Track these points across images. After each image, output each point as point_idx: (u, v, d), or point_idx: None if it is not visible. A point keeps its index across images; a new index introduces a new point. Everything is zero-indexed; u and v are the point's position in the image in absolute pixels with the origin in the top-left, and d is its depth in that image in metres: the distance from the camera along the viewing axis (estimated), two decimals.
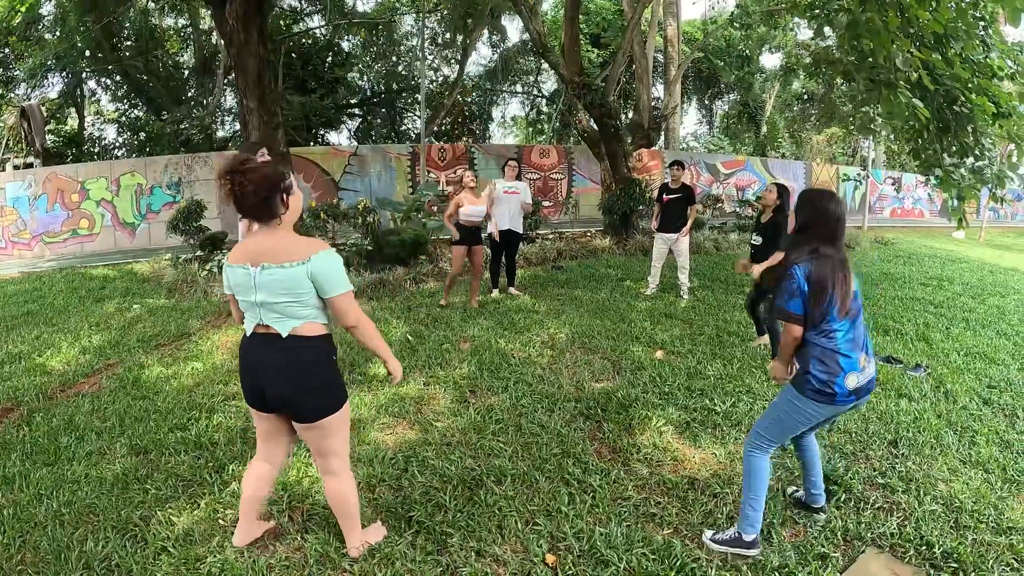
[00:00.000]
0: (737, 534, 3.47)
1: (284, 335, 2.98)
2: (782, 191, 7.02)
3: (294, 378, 3.01)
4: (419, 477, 4.19)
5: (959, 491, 4.15)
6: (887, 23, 5.76)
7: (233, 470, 4.31)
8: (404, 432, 4.96)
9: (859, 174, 29.57)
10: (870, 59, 6.75)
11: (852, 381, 3.24)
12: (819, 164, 31.11)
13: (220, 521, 3.72)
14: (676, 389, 5.82)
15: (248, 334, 3.10)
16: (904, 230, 24.71)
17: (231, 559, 3.35)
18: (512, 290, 10.09)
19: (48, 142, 25.49)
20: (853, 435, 4.90)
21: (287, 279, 2.90)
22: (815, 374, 3.26)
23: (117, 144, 27.90)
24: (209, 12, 17.32)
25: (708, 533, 3.60)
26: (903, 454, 4.69)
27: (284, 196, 2.95)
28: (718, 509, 3.89)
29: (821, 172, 30.00)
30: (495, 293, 9.94)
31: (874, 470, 4.41)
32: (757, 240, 7.06)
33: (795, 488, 4.02)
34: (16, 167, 22.61)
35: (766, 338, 7.41)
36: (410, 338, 7.42)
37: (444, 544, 3.49)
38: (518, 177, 9.94)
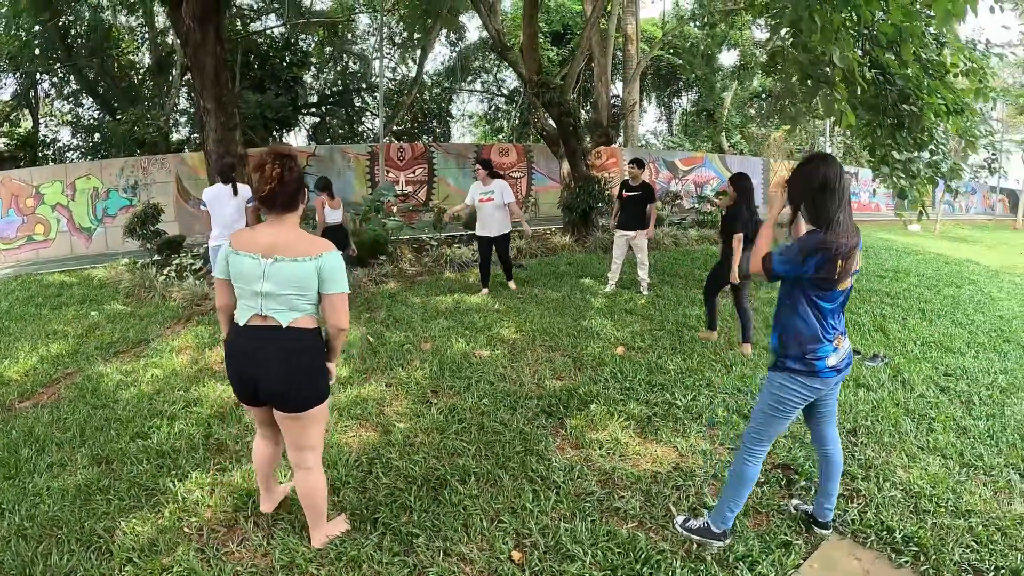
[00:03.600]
0: (707, 524, 3.53)
1: (284, 325, 3.10)
2: (738, 179, 7.16)
3: (289, 367, 3.12)
4: (383, 479, 4.19)
5: (918, 477, 4.27)
6: (831, 20, 5.87)
7: (196, 477, 4.26)
8: (367, 434, 4.96)
9: None
10: (810, 56, 6.86)
11: (831, 360, 3.26)
12: (776, 160, 31.53)
13: (184, 529, 3.69)
14: (637, 384, 5.89)
15: (242, 324, 3.17)
16: (861, 224, 25.01)
17: (196, 567, 3.33)
18: (511, 284, 10.28)
19: (1, 145, 25.00)
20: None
21: (298, 272, 3.04)
22: (795, 358, 3.26)
23: (72, 146, 27.39)
24: (165, 11, 17.05)
25: (679, 519, 3.67)
26: (862, 442, 4.82)
27: (305, 193, 3.16)
28: (681, 501, 3.96)
29: (778, 168, 30.41)
30: (484, 292, 9.96)
31: None
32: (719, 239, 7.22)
33: (800, 501, 3.98)
34: None
35: (714, 335, 7.52)
36: (371, 340, 7.41)
37: (410, 545, 3.51)
38: (497, 176, 10.03)
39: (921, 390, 5.95)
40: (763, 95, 35.95)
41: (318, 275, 3.07)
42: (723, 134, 35.08)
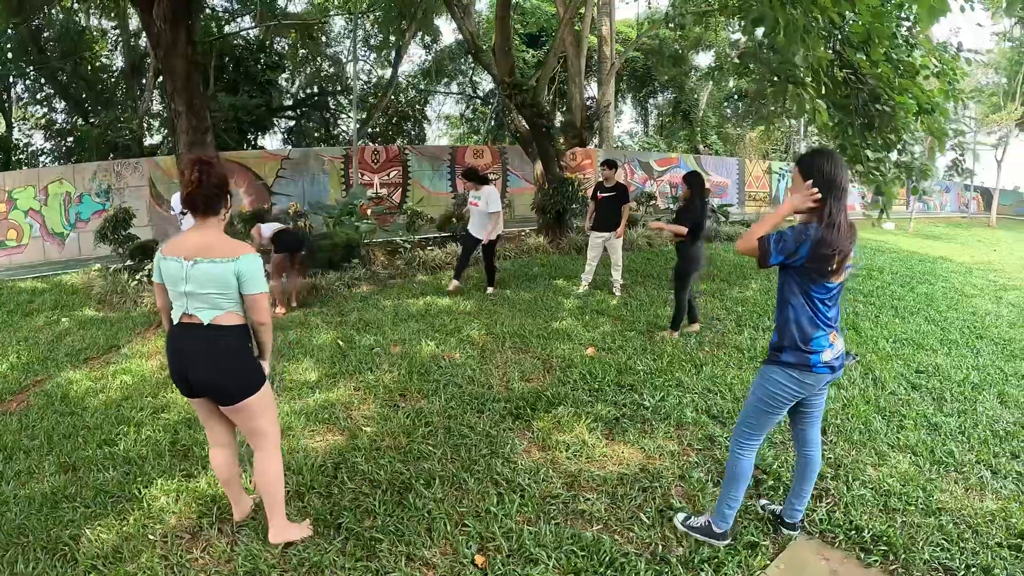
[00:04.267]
0: (708, 523, 3.54)
1: (205, 323, 3.25)
2: (690, 176, 7.27)
3: (213, 362, 3.28)
4: (348, 483, 4.19)
5: (888, 475, 4.29)
6: (795, 20, 5.92)
7: (162, 484, 4.25)
8: (334, 438, 4.95)
9: (782, 168, 30.34)
10: (778, 56, 6.93)
11: (826, 356, 3.24)
12: (752, 160, 31.75)
13: (149, 536, 3.68)
14: (606, 385, 5.90)
15: (175, 322, 3.33)
16: None
17: (160, 574, 3.34)
18: (489, 289, 10.40)
19: None
20: (782, 424, 4.93)
21: (217, 273, 3.19)
22: (791, 351, 3.25)
23: (45, 150, 27.10)
24: (136, 12, 16.91)
25: (680, 516, 3.69)
26: (832, 441, 4.83)
27: (229, 198, 3.36)
28: (647, 503, 3.96)
29: (754, 168, 30.65)
30: (454, 284, 10.25)
31: None
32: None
33: (768, 501, 3.99)
34: None
35: (697, 326, 7.58)
36: (340, 343, 7.39)
37: (373, 550, 3.50)
38: (485, 183, 10.27)
39: (893, 387, 5.99)
40: (738, 95, 36.15)
41: (236, 276, 3.21)
42: (699, 134, 35.25)
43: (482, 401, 5.55)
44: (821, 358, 3.23)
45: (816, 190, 3.12)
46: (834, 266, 3.08)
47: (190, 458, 4.67)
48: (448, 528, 3.67)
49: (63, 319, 9.48)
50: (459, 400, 5.59)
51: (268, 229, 9.49)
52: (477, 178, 10.23)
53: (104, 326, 8.85)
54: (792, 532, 3.68)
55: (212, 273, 3.18)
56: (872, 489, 4.12)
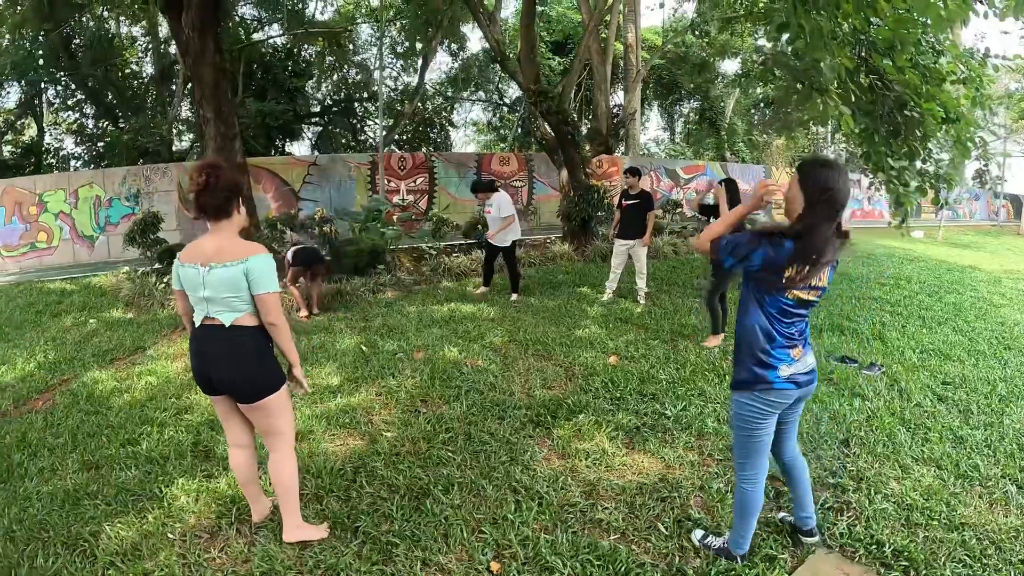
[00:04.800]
0: (725, 546, 3.47)
1: (227, 325, 3.33)
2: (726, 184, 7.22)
3: (235, 362, 3.36)
4: (367, 487, 4.20)
5: (911, 489, 4.18)
6: (819, 27, 5.86)
7: (183, 483, 4.31)
8: (354, 443, 4.97)
9: None
10: (798, 63, 6.87)
11: (784, 371, 3.11)
12: (779, 168, 31.54)
13: (168, 535, 3.73)
14: (627, 394, 5.86)
15: (197, 325, 3.41)
16: (864, 231, 24.98)
17: (177, 572, 3.38)
18: (513, 296, 10.53)
19: (6, 153, 25.12)
20: (804, 436, 4.90)
21: (229, 277, 3.24)
22: (746, 367, 3.16)
23: (76, 155, 27.52)
24: (166, 20, 17.15)
25: (699, 533, 3.63)
26: (855, 453, 4.72)
27: (240, 202, 3.38)
28: (666, 514, 3.91)
29: (780, 175, 30.44)
30: (482, 290, 10.72)
31: (824, 470, 4.44)
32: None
33: (786, 514, 3.86)
34: None
35: (719, 338, 7.52)
36: (364, 348, 7.43)
37: (390, 554, 3.50)
38: (494, 190, 10.49)
39: (918, 399, 5.85)
40: (764, 102, 35.96)
41: (246, 277, 3.26)
42: (725, 142, 35.07)
43: (503, 408, 5.54)
44: (779, 373, 3.11)
45: (772, 184, 3.08)
46: (787, 276, 2.94)
47: (211, 459, 4.73)
48: (465, 534, 3.66)
49: (91, 320, 9.63)
50: (480, 406, 5.58)
51: (290, 253, 9.59)
52: (484, 187, 10.53)
53: (131, 328, 8.98)
54: (811, 539, 3.59)
55: (225, 277, 3.24)
56: (894, 503, 4.02)
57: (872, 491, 4.16)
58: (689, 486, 4.23)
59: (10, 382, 6.88)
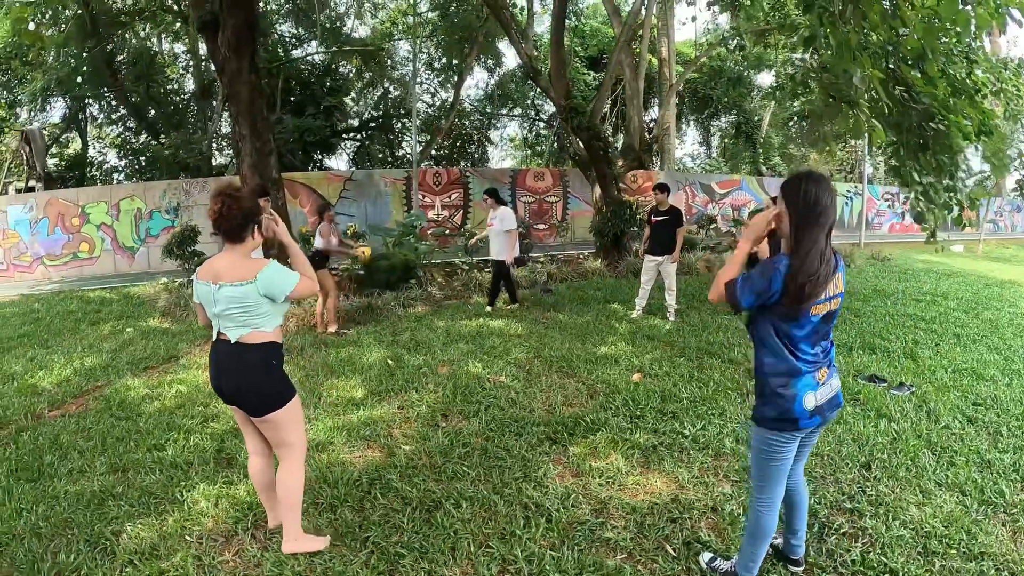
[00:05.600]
0: (734, 570, 3.41)
1: (233, 341, 3.42)
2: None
3: (241, 376, 3.45)
4: (381, 499, 4.25)
5: (931, 515, 4.02)
6: (848, 39, 5.80)
7: (204, 489, 4.44)
8: (372, 455, 5.03)
9: (848, 191, 29.67)
10: (828, 74, 6.80)
11: (810, 401, 2.96)
12: None
13: (186, 537, 3.85)
14: (647, 412, 5.82)
15: (213, 339, 3.53)
16: (902, 245, 24.56)
17: (191, 573, 3.49)
18: (487, 309, 10.65)
19: (51, 166, 25.77)
20: (824, 457, 4.82)
21: (238, 296, 3.35)
22: (770, 401, 3.01)
23: (118, 168, 28.16)
24: (204, 40, 17.56)
25: (706, 556, 3.59)
26: (875, 477, 4.57)
27: (256, 228, 3.51)
28: (675, 535, 3.85)
29: None
30: (489, 310, 10.56)
31: (842, 494, 4.31)
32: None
33: (774, 535, 3.65)
34: (18, 191, 22.94)
35: None
36: (390, 362, 7.51)
37: (396, 565, 3.55)
38: (502, 203, 10.55)
39: (947, 420, 5.65)
40: (799, 116, 35.67)
41: (264, 294, 3.37)
42: (761, 156, 34.80)
43: (521, 424, 5.55)
44: (804, 404, 2.96)
45: (777, 211, 3.02)
46: (805, 297, 2.82)
47: (233, 466, 4.85)
48: (472, 548, 3.68)
49: (128, 329, 9.90)
50: (499, 422, 5.60)
51: (320, 241, 9.42)
52: (497, 197, 10.54)
53: (166, 337, 9.22)
54: (797, 568, 3.50)
55: (234, 296, 3.34)
56: (912, 530, 3.88)
57: (890, 517, 4.02)
58: (701, 507, 4.17)
59: (46, 387, 7.12)
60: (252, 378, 3.45)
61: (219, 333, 3.48)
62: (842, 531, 3.87)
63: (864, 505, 4.15)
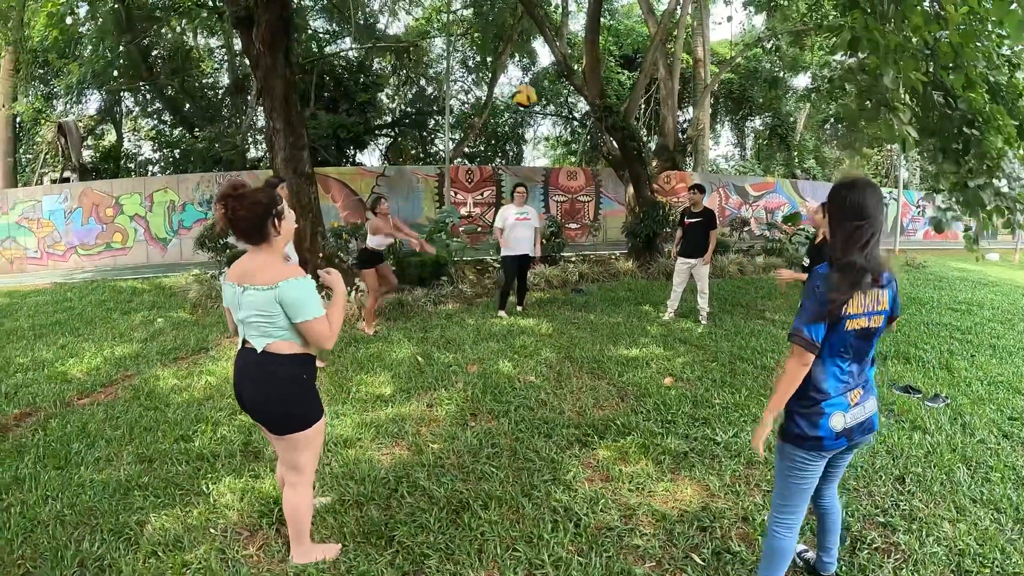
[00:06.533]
0: None
1: (259, 350, 3.20)
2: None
3: (263, 391, 3.24)
4: (408, 498, 4.22)
5: (965, 532, 3.91)
6: (888, 40, 5.65)
7: (229, 482, 4.44)
8: (400, 453, 5.00)
9: (884, 196, 29.28)
10: (865, 76, 6.64)
11: (838, 421, 2.84)
12: None
13: (211, 530, 3.85)
14: (679, 417, 5.72)
15: (239, 345, 3.32)
16: (937, 252, 24.14)
17: (214, 566, 3.47)
18: (518, 308, 10.42)
19: (86, 157, 26.15)
20: (858, 469, 4.71)
21: (260, 301, 3.12)
22: (796, 417, 2.89)
23: (153, 160, 28.51)
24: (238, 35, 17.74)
25: None
26: (909, 491, 4.44)
27: (276, 220, 3.18)
28: (704, 544, 3.77)
29: None
30: (502, 315, 10.07)
31: (876, 507, 4.21)
32: (806, 262, 7.04)
33: (805, 548, 3.64)
34: (53, 181, 23.31)
35: None
36: (420, 359, 7.49)
37: (421, 565, 3.51)
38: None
39: (982, 435, 5.49)
40: (835, 118, 35.25)
41: (280, 304, 3.12)
42: (796, 158, 34.45)
43: (551, 426, 5.49)
44: (831, 423, 2.83)
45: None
46: (839, 304, 2.72)
47: (260, 459, 4.84)
48: (498, 551, 3.63)
49: (158, 319, 10.00)
50: (528, 423, 5.55)
51: (373, 240, 9.04)
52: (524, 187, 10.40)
53: (196, 328, 9.30)
54: None
55: (256, 300, 3.12)
56: (946, 547, 3.76)
57: (924, 533, 3.90)
58: (732, 516, 4.08)
59: (77, 374, 7.20)
60: (278, 393, 3.24)
61: (244, 341, 3.27)
62: (874, 546, 3.77)
63: (897, 520, 4.04)
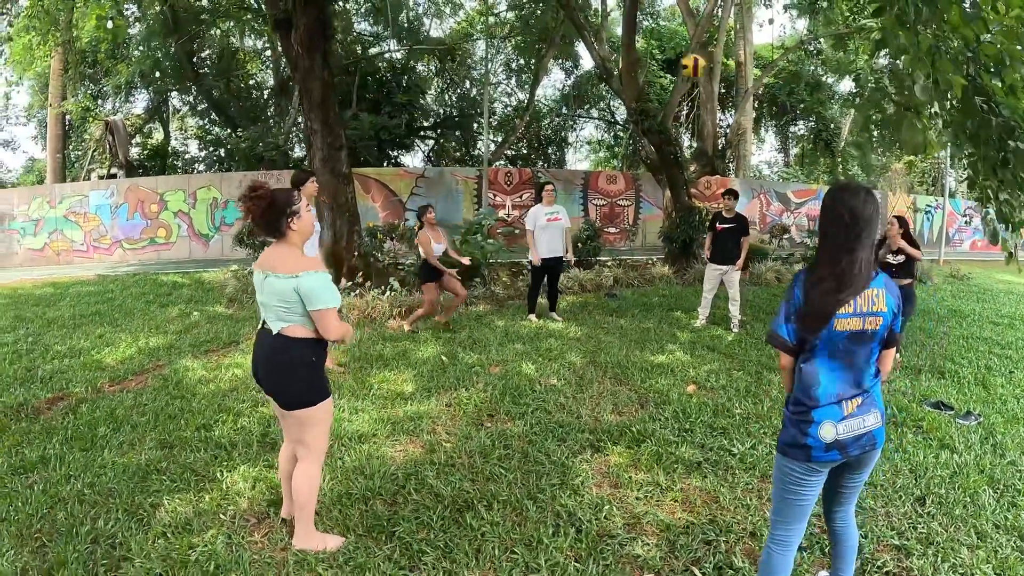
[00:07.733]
0: None
1: (274, 332, 3.48)
2: (902, 222, 6.97)
3: (275, 369, 3.52)
4: (414, 495, 4.26)
5: (983, 560, 3.69)
6: (919, 43, 5.50)
7: (243, 470, 4.58)
8: (413, 450, 5.06)
9: (928, 205, 28.64)
10: (902, 83, 6.47)
11: (828, 431, 2.70)
12: (895, 193, 30.22)
13: (220, 516, 3.97)
14: (697, 426, 5.61)
15: (259, 328, 3.64)
16: (983, 264, 23.58)
17: (219, 550, 3.57)
18: (553, 315, 10.22)
19: (134, 155, 26.76)
20: (877, 487, 4.52)
21: (280, 288, 3.39)
22: (787, 423, 2.82)
23: (199, 158, 29.06)
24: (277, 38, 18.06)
25: None
26: (929, 513, 4.22)
27: (289, 219, 3.46)
28: (707, 558, 3.66)
29: (897, 201, 29.14)
30: (532, 319, 10.01)
31: (891, 528, 4.01)
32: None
33: (827, 573, 3.47)
34: (100, 177, 23.92)
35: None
36: (444, 359, 7.55)
37: (418, 562, 3.54)
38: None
39: (1013, 456, 5.20)
40: (879, 124, 34.56)
41: (298, 293, 3.37)
42: (840, 164, 33.91)
43: (566, 430, 5.47)
44: (821, 435, 2.70)
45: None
46: (818, 305, 2.68)
47: (276, 450, 4.85)
48: (496, 552, 3.63)
49: (194, 313, 10.29)
50: (544, 426, 5.54)
51: (439, 248, 9.10)
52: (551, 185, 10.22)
53: (229, 322, 9.56)
54: None
55: (276, 287, 3.38)
56: (961, 574, 3.59)
57: (939, 558, 3.70)
58: (740, 530, 3.96)
59: (110, 363, 7.49)
60: (287, 372, 3.50)
61: (263, 322, 3.55)
62: (886, 569, 3.60)
63: (913, 543, 3.83)
